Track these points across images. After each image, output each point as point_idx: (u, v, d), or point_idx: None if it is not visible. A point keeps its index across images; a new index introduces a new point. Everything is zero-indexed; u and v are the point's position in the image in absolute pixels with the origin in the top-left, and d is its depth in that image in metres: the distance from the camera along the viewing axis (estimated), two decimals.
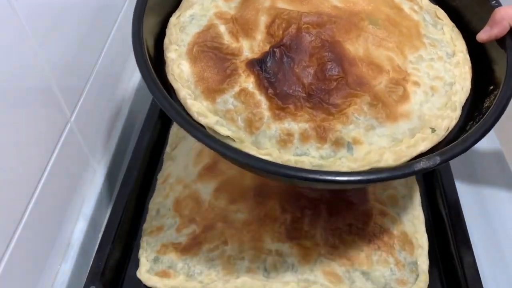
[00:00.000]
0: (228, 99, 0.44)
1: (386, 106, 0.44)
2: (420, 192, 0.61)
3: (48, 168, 0.54)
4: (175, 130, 0.72)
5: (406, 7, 0.52)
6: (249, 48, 0.47)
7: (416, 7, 0.52)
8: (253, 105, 0.44)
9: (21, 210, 0.49)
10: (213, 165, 0.63)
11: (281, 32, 0.46)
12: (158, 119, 0.73)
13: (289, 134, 0.43)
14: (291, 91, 0.44)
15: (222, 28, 0.48)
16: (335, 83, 0.44)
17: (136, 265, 0.57)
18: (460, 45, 0.50)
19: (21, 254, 0.48)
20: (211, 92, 0.45)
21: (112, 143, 0.71)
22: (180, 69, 0.46)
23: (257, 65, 0.45)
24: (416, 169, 0.40)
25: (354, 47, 0.46)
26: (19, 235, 0.47)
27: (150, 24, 0.47)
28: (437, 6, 0.54)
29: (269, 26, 0.47)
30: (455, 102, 0.46)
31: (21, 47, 0.49)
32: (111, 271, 0.56)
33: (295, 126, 0.43)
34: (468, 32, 0.51)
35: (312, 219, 0.56)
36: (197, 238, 0.57)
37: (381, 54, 0.46)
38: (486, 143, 0.70)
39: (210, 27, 0.48)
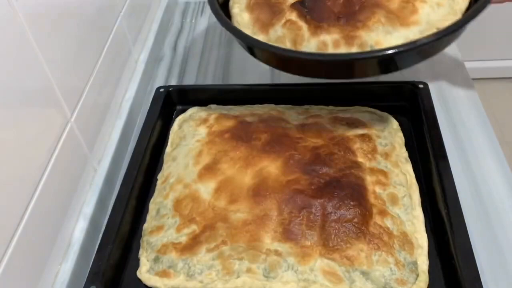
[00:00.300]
0: (277, 29, 0.60)
1: (399, 17, 0.57)
2: (420, 192, 0.61)
3: (49, 168, 0.54)
4: (176, 130, 0.72)
5: None
6: None
7: None
8: (296, 29, 0.59)
9: (21, 210, 0.49)
10: (213, 165, 0.63)
11: None
12: (158, 119, 0.73)
13: (325, 44, 0.57)
14: (325, 16, 0.58)
15: None
16: (357, 7, 0.58)
17: (136, 265, 0.57)
18: None
19: (21, 254, 0.48)
20: (265, 27, 0.61)
21: (112, 143, 0.71)
22: (242, 17, 0.64)
23: (299, 4, 0.60)
24: (430, 39, 0.53)
25: None
26: (19, 235, 0.48)
27: None
28: None
29: None
30: (457, 10, 0.57)
31: (22, 47, 0.49)
32: (112, 271, 0.56)
33: (328, 38, 0.57)
34: None
35: (311, 219, 0.56)
36: (197, 238, 0.57)
37: None
38: (485, 143, 0.70)
39: None
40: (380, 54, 0.55)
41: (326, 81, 0.79)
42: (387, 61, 0.58)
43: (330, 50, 0.57)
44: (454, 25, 0.54)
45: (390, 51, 0.54)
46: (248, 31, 0.62)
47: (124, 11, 0.79)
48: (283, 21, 0.60)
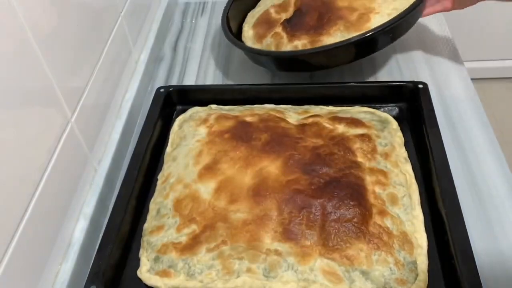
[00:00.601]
0: (268, 39, 0.80)
1: (355, 25, 0.74)
2: (419, 191, 0.61)
3: (49, 168, 0.54)
4: (176, 130, 0.72)
5: None
6: (285, 16, 0.81)
7: None
8: (279, 38, 0.79)
9: (22, 209, 0.49)
10: (213, 165, 0.63)
11: (299, 2, 0.81)
12: (159, 119, 0.73)
13: (296, 47, 0.76)
14: (300, 28, 0.77)
15: (272, 11, 0.85)
16: (325, 20, 0.76)
17: (137, 264, 0.57)
18: None
19: (21, 254, 0.48)
20: (260, 38, 0.81)
21: (112, 143, 0.71)
22: (248, 33, 0.84)
23: (286, 21, 0.80)
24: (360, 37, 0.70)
25: (341, 1, 0.78)
26: (20, 234, 0.48)
27: (235, 17, 0.87)
28: None
29: (295, 2, 0.82)
30: None
31: (22, 47, 0.49)
32: (112, 271, 0.56)
33: (299, 43, 0.76)
34: None
35: (311, 219, 0.56)
36: (197, 237, 0.57)
37: (358, 2, 0.77)
38: (485, 143, 0.70)
39: (265, 12, 0.85)
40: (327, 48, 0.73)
41: (326, 81, 0.79)
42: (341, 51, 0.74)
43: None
44: (385, 23, 0.71)
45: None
46: (250, 43, 0.82)
47: (124, 11, 0.79)
48: (272, 33, 0.80)
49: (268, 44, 0.79)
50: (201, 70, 0.91)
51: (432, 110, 0.69)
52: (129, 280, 0.57)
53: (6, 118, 0.46)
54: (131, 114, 0.78)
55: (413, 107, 0.72)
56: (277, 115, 0.71)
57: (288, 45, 0.77)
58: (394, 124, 0.69)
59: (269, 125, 0.68)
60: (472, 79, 0.82)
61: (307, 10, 0.79)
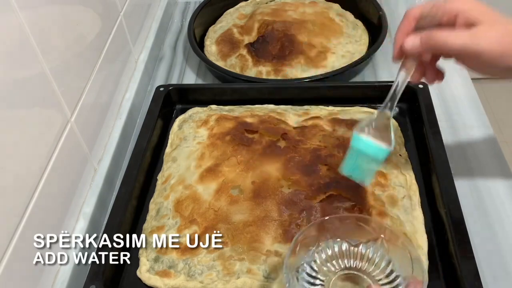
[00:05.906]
0: (232, 59, 0.87)
1: (313, 61, 0.83)
2: (419, 192, 0.61)
3: (49, 167, 0.54)
4: (176, 130, 0.72)
5: (336, 19, 0.93)
6: (248, 39, 0.89)
7: (343, 19, 0.93)
8: (244, 60, 0.85)
9: (22, 209, 0.49)
10: (215, 167, 0.63)
11: (263, 30, 0.89)
12: (158, 119, 0.73)
13: (261, 73, 0.83)
14: (264, 55, 0.85)
15: (235, 31, 0.92)
16: (287, 52, 0.84)
17: (136, 264, 0.57)
18: (365, 36, 0.90)
19: (22, 253, 0.48)
20: (225, 56, 0.88)
21: (112, 143, 0.71)
22: (211, 48, 0.91)
23: (250, 45, 0.87)
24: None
25: (302, 37, 0.87)
26: (20, 234, 0.48)
27: (198, 31, 0.94)
28: (357, 20, 0.94)
29: (259, 28, 0.90)
30: (354, 60, 0.82)
31: (22, 47, 0.49)
32: (112, 270, 0.56)
33: (263, 68, 0.83)
34: (370, 28, 0.92)
35: (311, 220, 0.56)
36: (198, 238, 0.57)
37: (317, 40, 0.86)
38: (485, 143, 0.70)
39: (228, 30, 0.93)
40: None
41: (326, 82, 0.79)
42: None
43: (264, 76, 0.82)
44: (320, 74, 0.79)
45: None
46: (213, 58, 0.87)
47: (124, 10, 0.79)
48: (237, 54, 0.87)
49: (233, 64, 0.85)
50: (200, 70, 0.90)
51: (432, 110, 0.69)
52: (129, 279, 0.57)
53: (5, 118, 0.46)
54: (130, 114, 0.77)
55: (413, 107, 0.72)
56: (277, 117, 0.70)
57: (253, 69, 0.83)
58: (394, 124, 0.69)
59: (269, 127, 0.68)
60: (472, 79, 0.82)
61: (271, 40, 0.86)
